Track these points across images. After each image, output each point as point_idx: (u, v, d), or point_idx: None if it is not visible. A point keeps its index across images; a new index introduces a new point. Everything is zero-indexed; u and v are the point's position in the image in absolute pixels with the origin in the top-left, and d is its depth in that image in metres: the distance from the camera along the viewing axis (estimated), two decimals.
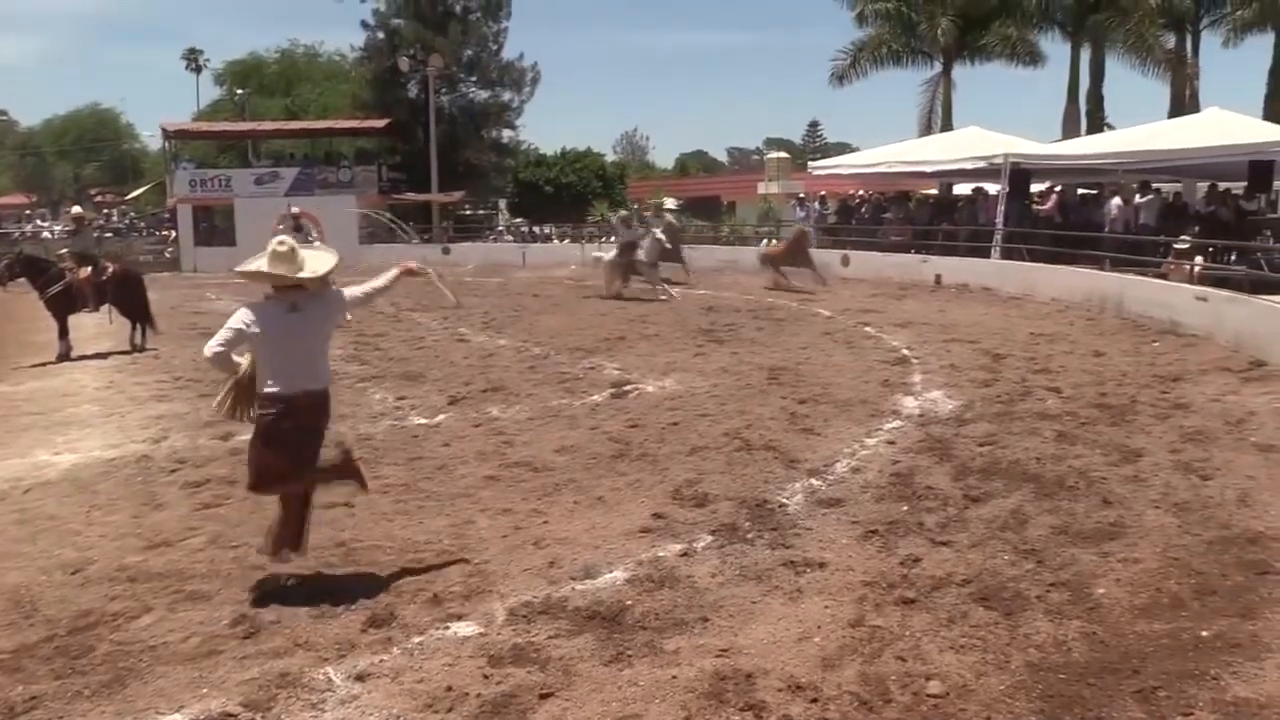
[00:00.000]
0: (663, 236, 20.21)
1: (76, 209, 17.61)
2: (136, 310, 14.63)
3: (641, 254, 19.96)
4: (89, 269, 14.21)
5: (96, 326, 14.83)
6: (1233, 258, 16.78)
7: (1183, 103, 31.45)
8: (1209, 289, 13.57)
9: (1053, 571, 5.41)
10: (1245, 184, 18.79)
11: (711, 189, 57.35)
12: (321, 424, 5.47)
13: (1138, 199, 19.61)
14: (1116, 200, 19.84)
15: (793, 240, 22.11)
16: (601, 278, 20.83)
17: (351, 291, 5.69)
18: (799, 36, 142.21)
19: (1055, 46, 34.98)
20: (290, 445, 5.32)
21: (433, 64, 37.74)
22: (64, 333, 13.92)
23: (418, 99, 40.23)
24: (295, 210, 18.56)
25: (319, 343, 5.44)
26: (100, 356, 13.89)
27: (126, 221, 46.02)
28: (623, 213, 23.43)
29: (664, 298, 19.40)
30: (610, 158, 55.01)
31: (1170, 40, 33.09)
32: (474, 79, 43.24)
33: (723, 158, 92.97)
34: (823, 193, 30.53)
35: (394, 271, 5.80)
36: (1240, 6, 32.02)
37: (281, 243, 5.35)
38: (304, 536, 5.59)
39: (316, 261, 5.41)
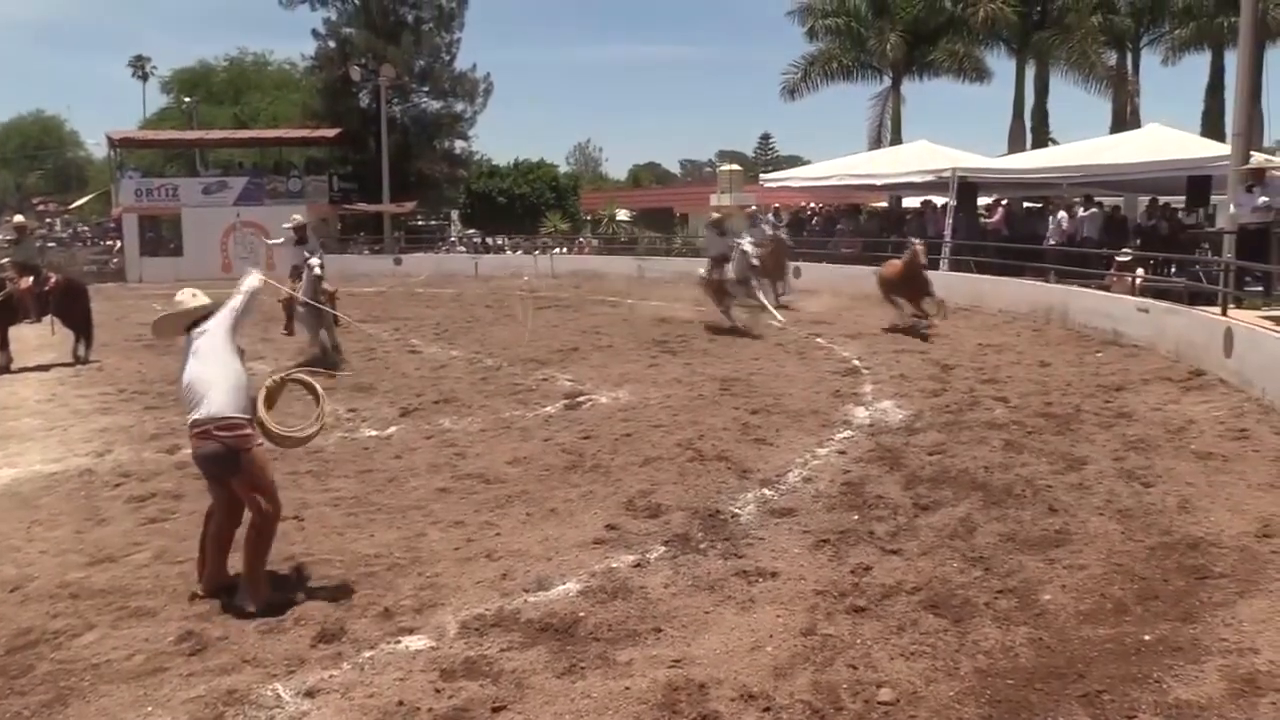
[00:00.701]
0: (749, 247, 16.04)
1: (19, 218, 17.25)
2: (80, 321, 14.35)
3: (729, 270, 16.20)
4: (30, 279, 13.91)
5: (38, 338, 14.52)
6: (1172, 270, 17.16)
7: (1124, 119, 32.12)
8: (1150, 300, 13.86)
9: (1000, 579, 5.49)
10: (1184, 198, 19.22)
11: (664, 200, 57.52)
12: (213, 470, 5.29)
13: (1080, 212, 19.99)
14: (1063, 214, 20.21)
15: (908, 260, 15.65)
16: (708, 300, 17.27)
17: (227, 307, 5.61)
18: (751, 50, 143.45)
19: (1001, 63, 35.59)
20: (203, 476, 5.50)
21: (384, 74, 37.49)
22: (4, 344, 13.61)
23: (369, 109, 39.93)
24: (297, 218, 15.62)
25: (199, 368, 5.29)
26: (42, 368, 13.60)
27: (70, 231, 45.08)
28: (714, 215, 19.35)
29: (775, 321, 16.18)
30: (563, 169, 55.08)
31: (1112, 58, 33.80)
32: (426, 89, 43.02)
33: (675, 169, 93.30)
34: (776, 205, 30.73)
35: (250, 281, 5.76)
36: (1179, 26, 32.84)
37: (184, 291, 5.68)
38: (214, 577, 5.44)
39: (203, 297, 5.63)
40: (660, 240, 38.89)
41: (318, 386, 5.79)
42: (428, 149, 42.78)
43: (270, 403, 5.48)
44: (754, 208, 23.37)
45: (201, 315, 5.51)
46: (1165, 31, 33.61)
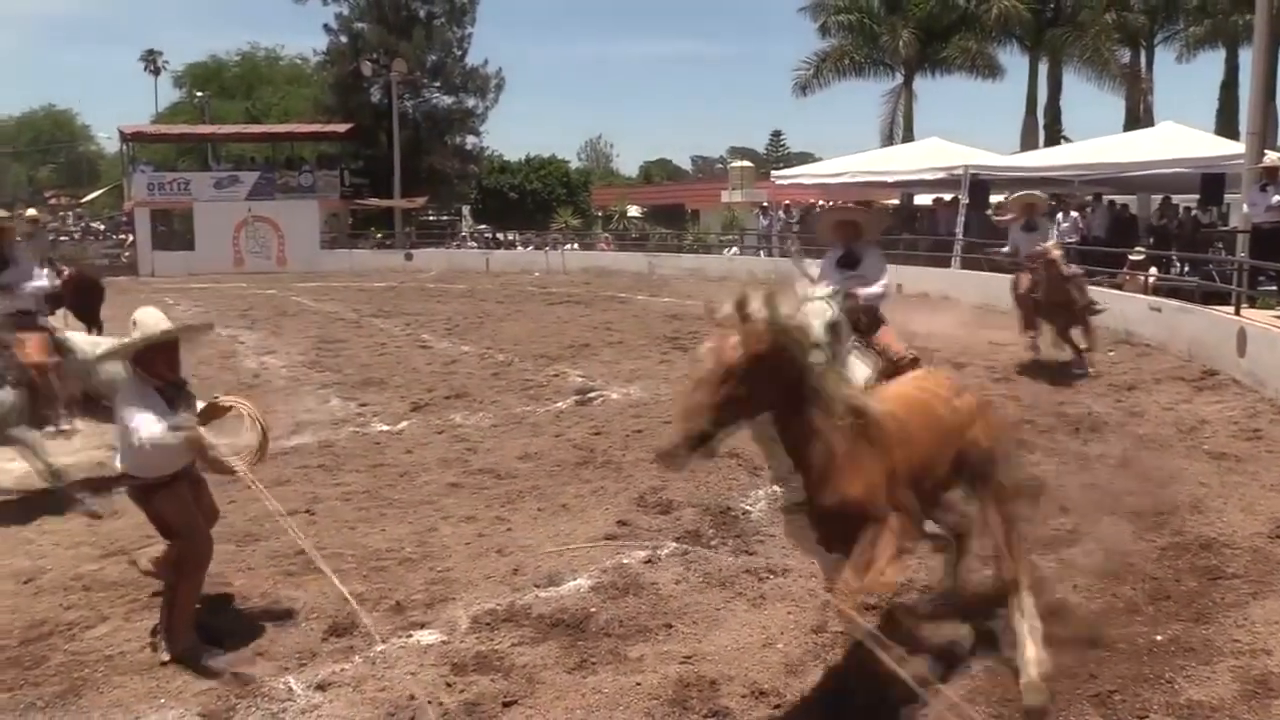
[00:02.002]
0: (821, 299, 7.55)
1: (31, 211, 17.35)
2: (93, 315, 14.39)
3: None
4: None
5: None
6: (1185, 269, 17.09)
7: (1138, 117, 32.00)
8: (1163, 299, 13.79)
9: None
10: (1197, 197, 19.15)
11: (676, 197, 57.48)
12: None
13: (1088, 212, 19.94)
14: (1075, 214, 20.15)
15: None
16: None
17: None
18: (763, 46, 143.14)
19: (1014, 60, 35.50)
20: None
21: (396, 69, 37.54)
22: None
23: (381, 104, 39.98)
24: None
25: None
26: None
27: (82, 225, 45.28)
28: (1027, 197, 12.81)
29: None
30: (574, 165, 55.08)
31: (1125, 55, 33.68)
32: (438, 84, 43.05)
33: (687, 165, 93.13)
34: (787, 202, 30.69)
35: None
36: (1193, 23, 32.70)
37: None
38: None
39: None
40: (671, 237, 38.87)
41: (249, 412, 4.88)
42: (439, 144, 42.80)
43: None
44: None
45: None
46: (1180, 29, 33.48)
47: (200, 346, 5.01)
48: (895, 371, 6.08)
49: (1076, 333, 11.38)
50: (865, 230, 7.38)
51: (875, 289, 7.10)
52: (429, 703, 4.16)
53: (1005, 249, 12.63)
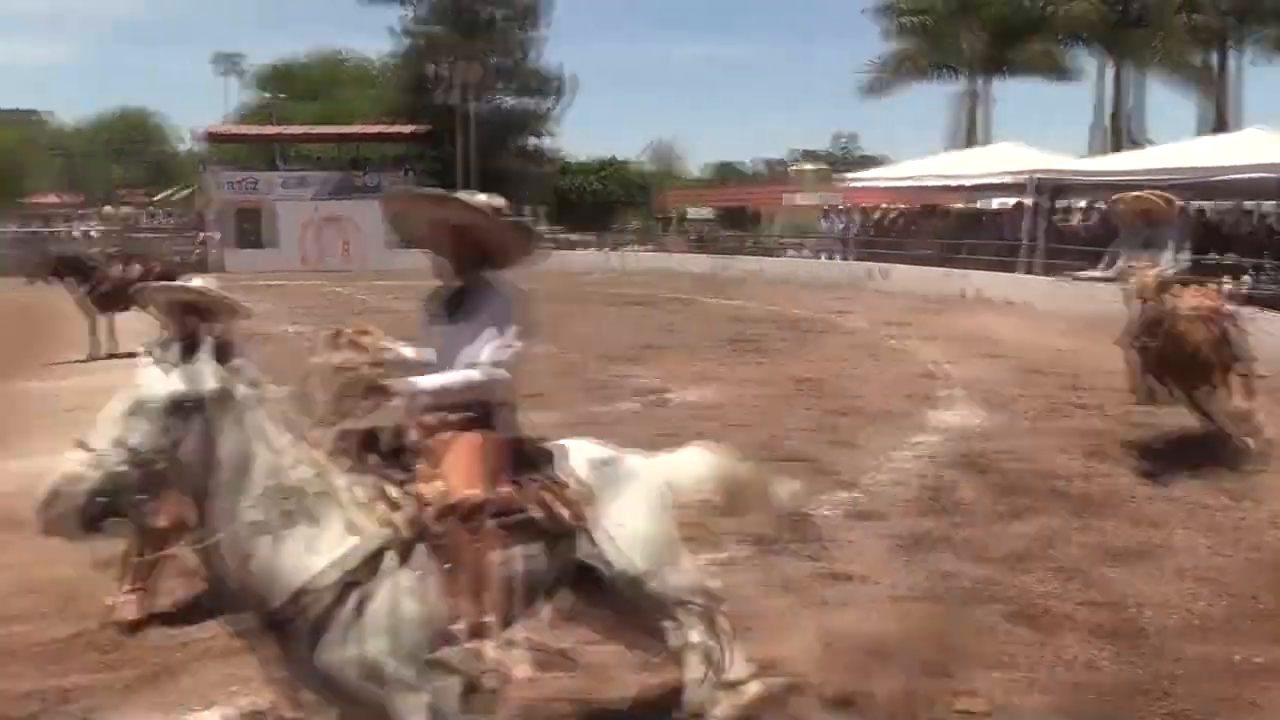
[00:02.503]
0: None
1: (108, 209, 17.85)
2: None
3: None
4: (124, 268, 14.38)
5: (124, 326, 14.96)
6: (1263, 277, 16.62)
7: (1218, 121, 31.16)
8: (1242, 307, 13.41)
9: (1083, 590, 5.39)
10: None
11: (741, 199, 57.24)
12: None
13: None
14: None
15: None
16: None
17: None
18: (830, 48, 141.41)
19: (1087, 63, 34.78)
20: None
21: (465, 71, 37.89)
22: (95, 329, 14.08)
23: (450, 105, 40.41)
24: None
25: None
26: (132, 355, 13.99)
27: (158, 223, 46.47)
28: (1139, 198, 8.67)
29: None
30: (640, 165, 55.06)
31: (1205, 58, 32.83)
32: (509, 86, 43.28)
33: (751, 168, 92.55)
34: (849, 205, 30.38)
35: None
36: (1275, 24, 31.75)
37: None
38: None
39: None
40: (738, 239, 38.71)
41: None
42: (508, 146, 43.05)
43: None
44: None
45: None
46: (1262, 31, 32.53)
47: (230, 319, 5.41)
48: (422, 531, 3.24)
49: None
50: (500, 250, 3.75)
51: (457, 377, 3.57)
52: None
53: (1099, 268, 8.98)
